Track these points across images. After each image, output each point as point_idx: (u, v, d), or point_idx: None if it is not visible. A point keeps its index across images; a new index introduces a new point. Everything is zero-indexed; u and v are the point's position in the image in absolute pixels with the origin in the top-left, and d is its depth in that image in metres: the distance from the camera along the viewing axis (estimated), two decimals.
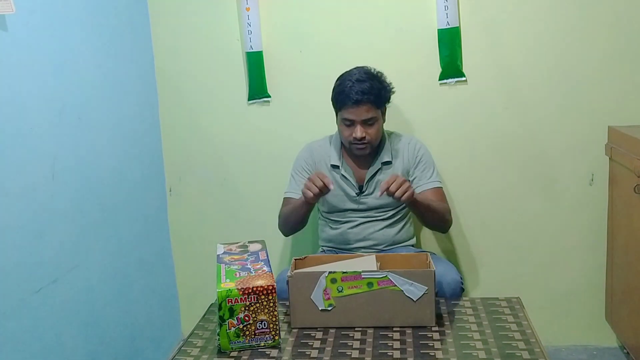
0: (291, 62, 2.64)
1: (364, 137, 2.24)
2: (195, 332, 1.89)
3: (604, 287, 2.63)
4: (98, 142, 2.23)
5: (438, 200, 2.31)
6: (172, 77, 2.72)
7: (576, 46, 2.50)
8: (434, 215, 2.28)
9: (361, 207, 2.35)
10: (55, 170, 1.95)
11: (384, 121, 2.34)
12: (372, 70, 2.27)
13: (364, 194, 2.35)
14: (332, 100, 2.30)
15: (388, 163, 2.34)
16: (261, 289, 1.69)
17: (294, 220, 2.33)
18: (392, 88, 2.31)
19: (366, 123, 2.23)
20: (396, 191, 2.03)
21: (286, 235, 2.47)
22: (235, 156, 2.76)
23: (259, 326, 1.71)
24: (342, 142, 2.37)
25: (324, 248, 2.44)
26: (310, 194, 2.10)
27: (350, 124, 2.24)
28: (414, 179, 2.34)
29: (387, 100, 2.30)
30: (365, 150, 2.29)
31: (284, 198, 2.41)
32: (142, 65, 2.63)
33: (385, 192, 2.06)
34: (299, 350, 1.72)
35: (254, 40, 2.59)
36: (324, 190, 2.10)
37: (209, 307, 2.04)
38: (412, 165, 2.35)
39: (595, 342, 2.68)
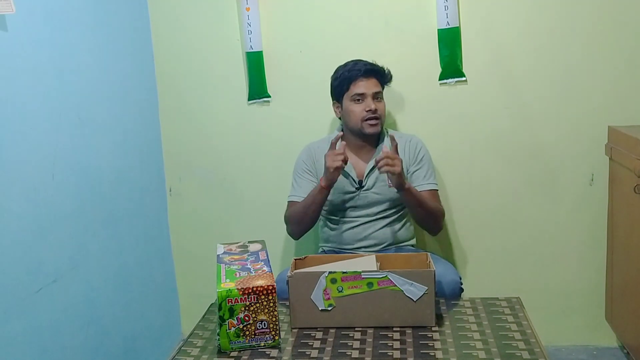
0: (291, 62, 2.64)
1: (377, 110, 2.29)
2: (195, 332, 1.89)
3: (604, 287, 2.63)
4: (98, 142, 2.23)
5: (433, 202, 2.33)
6: (172, 77, 2.72)
7: (576, 46, 2.50)
8: (425, 213, 2.28)
9: (360, 202, 2.35)
10: (55, 170, 1.95)
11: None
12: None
13: (364, 188, 2.35)
14: (335, 88, 2.36)
15: None
16: (261, 289, 1.69)
17: (312, 212, 2.27)
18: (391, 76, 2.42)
19: (375, 97, 2.31)
20: (383, 164, 2.09)
21: (297, 237, 2.40)
22: (235, 156, 2.76)
23: (259, 326, 1.71)
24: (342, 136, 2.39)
25: (324, 248, 2.44)
26: (338, 164, 2.13)
27: (360, 99, 2.30)
28: (411, 178, 2.35)
29: (388, 83, 2.41)
30: (377, 127, 2.32)
31: (289, 202, 2.40)
32: (142, 65, 2.63)
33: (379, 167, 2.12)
34: (299, 350, 1.72)
35: (254, 40, 2.59)
36: (345, 161, 2.15)
37: (209, 307, 2.04)
38: (411, 164, 2.36)
39: (595, 342, 2.68)
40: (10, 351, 1.72)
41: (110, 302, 2.28)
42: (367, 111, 2.28)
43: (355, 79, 2.30)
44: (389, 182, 2.31)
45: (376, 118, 2.29)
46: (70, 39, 2.07)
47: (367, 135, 2.33)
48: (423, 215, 2.29)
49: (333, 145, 2.18)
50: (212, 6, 2.64)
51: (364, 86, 2.30)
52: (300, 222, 2.32)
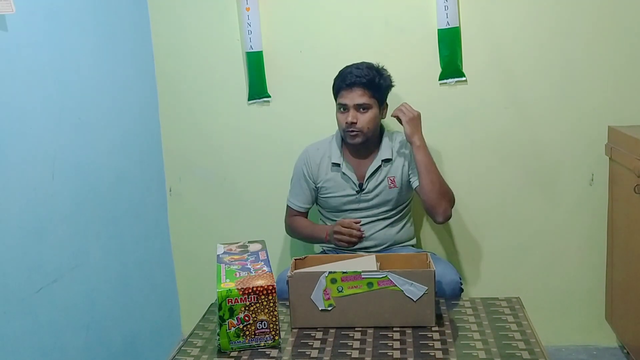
0: (291, 62, 2.64)
1: (355, 123, 2.25)
2: (195, 332, 1.89)
3: (604, 287, 2.63)
4: (98, 142, 2.23)
5: None
6: (172, 77, 2.72)
7: (576, 46, 2.50)
8: (437, 180, 2.26)
9: (361, 205, 2.35)
10: (55, 170, 1.95)
11: (383, 116, 2.35)
12: (374, 63, 2.31)
13: (364, 191, 2.35)
14: (332, 91, 2.35)
15: (388, 160, 2.35)
16: (261, 289, 1.69)
17: (312, 242, 2.45)
18: (392, 82, 2.34)
19: (359, 109, 2.26)
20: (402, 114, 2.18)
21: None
22: (235, 156, 2.76)
23: (259, 326, 1.71)
24: (342, 139, 2.38)
25: (324, 248, 2.44)
26: (345, 244, 2.23)
27: (345, 109, 2.27)
28: (411, 172, 2.34)
29: (385, 91, 2.32)
30: (356, 139, 2.28)
31: (288, 206, 2.46)
32: (142, 65, 2.63)
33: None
34: (299, 350, 1.73)
35: (254, 40, 2.59)
36: (359, 239, 2.25)
37: (209, 307, 2.05)
38: (411, 163, 2.34)
39: (595, 342, 2.68)
40: (10, 351, 1.72)
41: (110, 302, 2.28)
42: (346, 123, 2.27)
43: (340, 89, 2.28)
44: (390, 183, 2.31)
45: (355, 131, 2.26)
46: (70, 39, 2.07)
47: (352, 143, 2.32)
48: (434, 181, 2.25)
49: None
50: (212, 6, 2.64)
51: (347, 97, 2.25)
52: (299, 239, 2.52)
